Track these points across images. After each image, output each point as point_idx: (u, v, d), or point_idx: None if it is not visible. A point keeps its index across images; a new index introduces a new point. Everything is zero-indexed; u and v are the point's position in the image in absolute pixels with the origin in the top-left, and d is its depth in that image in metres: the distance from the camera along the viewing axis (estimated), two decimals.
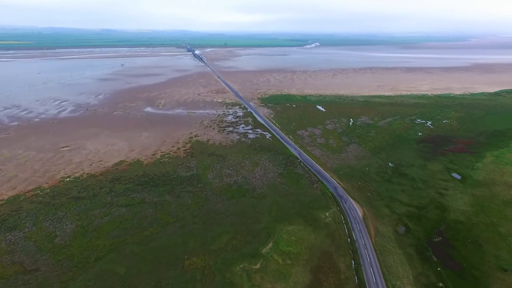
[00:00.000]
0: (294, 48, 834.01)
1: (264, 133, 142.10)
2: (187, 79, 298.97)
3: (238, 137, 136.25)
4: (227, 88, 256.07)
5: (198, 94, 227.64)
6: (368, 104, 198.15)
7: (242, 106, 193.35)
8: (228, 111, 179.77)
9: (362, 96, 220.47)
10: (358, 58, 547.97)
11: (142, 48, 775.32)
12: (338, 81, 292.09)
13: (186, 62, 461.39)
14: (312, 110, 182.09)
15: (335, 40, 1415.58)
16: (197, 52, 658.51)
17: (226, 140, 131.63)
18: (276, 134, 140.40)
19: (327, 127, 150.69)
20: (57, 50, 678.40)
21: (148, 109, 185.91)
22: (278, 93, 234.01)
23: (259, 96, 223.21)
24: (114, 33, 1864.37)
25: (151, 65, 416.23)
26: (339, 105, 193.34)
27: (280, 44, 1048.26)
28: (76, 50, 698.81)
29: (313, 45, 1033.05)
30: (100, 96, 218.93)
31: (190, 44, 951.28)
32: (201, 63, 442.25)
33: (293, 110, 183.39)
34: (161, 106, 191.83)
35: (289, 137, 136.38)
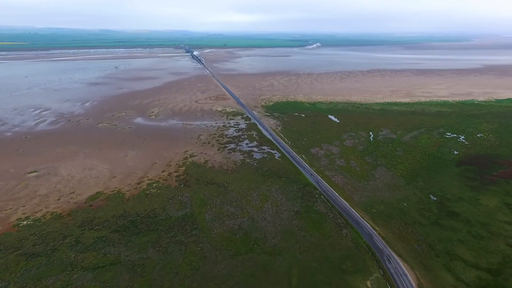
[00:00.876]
0: (295, 49, 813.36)
1: (272, 151, 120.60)
2: (184, 83, 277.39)
3: (241, 157, 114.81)
4: (227, 93, 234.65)
5: (196, 101, 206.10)
6: (386, 113, 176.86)
7: (244, 115, 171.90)
8: (229, 123, 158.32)
9: (377, 104, 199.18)
10: (363, 59, 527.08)
11: (139, 49, 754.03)
12: (347, 85, 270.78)
13: (184, 64, 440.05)
14: (325, 121, 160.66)
15: (336, 40, 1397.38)
16: (195, 53, 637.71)
17: (227, 162, 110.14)
18: (286, 153, 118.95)
19: (345, 143, 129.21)
20: (51, 51, 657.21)
21: (139, 120, 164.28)
22: (284, 99, 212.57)
23: (263, 103, 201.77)
24: (112, 34, 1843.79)
25: (146, 67, 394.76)
26: (354, 115, 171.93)
27: (280, 44, 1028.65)
28: (71, 51, 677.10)
29: (314, 45, 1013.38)
30: (87, 104, 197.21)
31: (188, 44, 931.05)
32: (199, 65, 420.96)
33: (303, 121, 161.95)
34: (153, 116, 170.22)
35: (301, 157, 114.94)
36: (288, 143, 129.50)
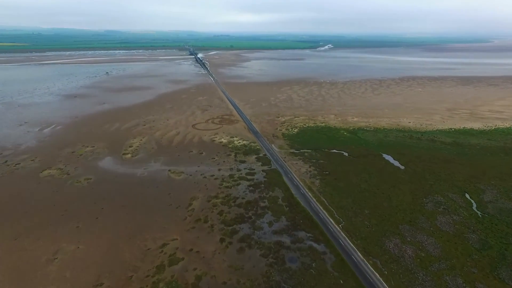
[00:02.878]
0: (307, 51, 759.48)
1: (317, 247, 67.29)
2: (181, 96, 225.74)
3: (263, 266, 61.91)
4: (235, 112, 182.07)
5: (193, 126, 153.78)
6: (466, 150, 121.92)
7: (260, 154, 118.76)
8: (238, 169, 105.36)
9: (443, 132, 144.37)
10: (386, 63, 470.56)
11: (140, 51, 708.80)
12: (385, 99, 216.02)
13: (186, 69, 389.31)
14: (382, 168, 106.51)
15: (347, 41, 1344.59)
16: (200, 55, 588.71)
17: (239, 284, 57.16)
18: (343, 253, 65.61)
19: (437, 223, 75.25)
20: (46, 53, 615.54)
21: (106, 162, 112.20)
22: (311, 123, 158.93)
23: (283, 129, 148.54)
24: (117, 34, 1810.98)
25: (142, 73, 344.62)
26: (421, 154, 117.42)
27: (290, 46, 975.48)
28: (67, 53, 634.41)
29: (326, 47, 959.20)
30: (47, 130, 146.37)
31: (193, 46, 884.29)
32: (203, 71, 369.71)
33: (349, 166, 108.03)
34: (129, 155, 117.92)
35: (376, 269, 61.35)
36: (341, 222, 75.92)
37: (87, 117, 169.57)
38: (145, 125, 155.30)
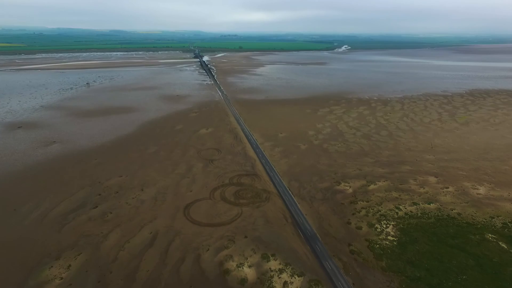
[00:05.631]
0: (325, 53, 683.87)
1: None
2: (176, 126, 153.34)
3: None
4: (259, 165, 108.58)
5: (185, 211, 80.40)
6: None
7: None
8: None
9: None
10: (428, 69, 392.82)
11: (140, 53, 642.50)
12: (484, 134, 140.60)
13: (188, 77, 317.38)
14: None
15: (362, 42, 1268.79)
16: (206, 58, 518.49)
17: None
18: None
19: None
20: (36, 56, 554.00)
21: None
22: (408, 201, 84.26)
23: (364, 226, 74.35)
24: (122, 34, 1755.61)
25: (133, 83, 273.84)
26: None
27: (303, 47, 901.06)
28: (58, 55, 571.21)
29: (343, 48, 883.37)
30: None
31: (199, 47, 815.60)
32: (208, 80, 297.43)
33: None
34: None
35: None
36: None
37: (4, 178, 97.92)
38: (96, 206, 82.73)
